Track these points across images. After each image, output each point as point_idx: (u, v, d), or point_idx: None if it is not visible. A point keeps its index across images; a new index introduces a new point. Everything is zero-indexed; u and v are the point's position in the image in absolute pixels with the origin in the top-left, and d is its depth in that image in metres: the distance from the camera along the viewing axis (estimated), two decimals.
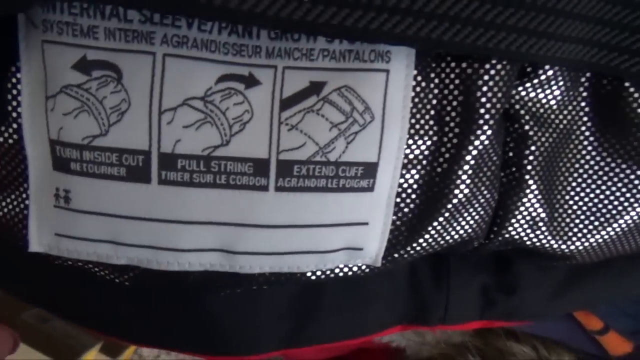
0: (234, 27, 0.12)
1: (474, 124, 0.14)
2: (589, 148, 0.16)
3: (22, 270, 0.15)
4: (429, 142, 0.14)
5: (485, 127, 0.14)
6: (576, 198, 0.16)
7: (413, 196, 0.15)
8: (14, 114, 0.13)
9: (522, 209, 0.16)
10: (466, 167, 0.14)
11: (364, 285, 0.17)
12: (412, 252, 0.15)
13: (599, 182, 0.16)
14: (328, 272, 0.15)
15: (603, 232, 0.17)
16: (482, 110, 0.14)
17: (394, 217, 0.15)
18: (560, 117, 0.15)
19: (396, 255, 0.15)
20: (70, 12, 0.12)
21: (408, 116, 0.14)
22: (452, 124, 0.14)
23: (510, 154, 0.15)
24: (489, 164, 0.15)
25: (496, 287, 0.19)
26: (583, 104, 0.16)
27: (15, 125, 0.13)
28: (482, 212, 0.15)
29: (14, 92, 0.13)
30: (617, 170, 0.16)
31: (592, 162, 0.16)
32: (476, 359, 0.28)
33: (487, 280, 0.19)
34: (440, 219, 0.15)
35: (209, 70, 0.13)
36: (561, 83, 0.15)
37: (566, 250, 0.17)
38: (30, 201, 0.14)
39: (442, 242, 0.15)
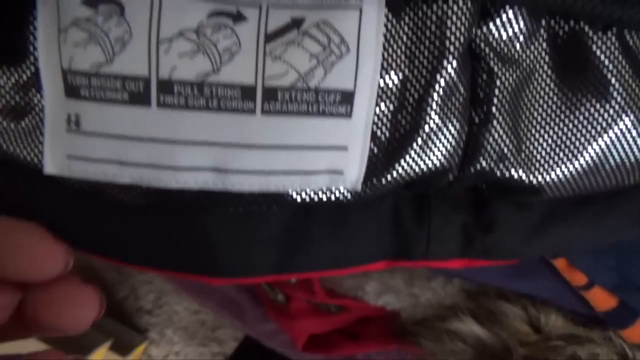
0: None
1: (441, 58, 0.16)
2: (551, 85, 0.17)
3: (35, 195, 0.17)
4: (400, 75, 0.16)
5: (452, 61, 0.16)
6: (541, 131, 0.17)
7: (388, 125, 0.16)
8: (31, 48, 0.15)
9: (490, 140, 0.17)
10: (436, 98, 0.16)
11: (350, 218, 0.19)
12: (390, 179, 0.17)
13: (562, 116, 0.17)
14: (312, 195, 0.16)
15: (569, 165, 0.18)
16: (447, 45, 0.15)
17: (371, 144, 0.16)
18: (524, 56, 0.17)
19: (375, 181, 0.17)
20: None
21: (381, 50, 0.15)
22: (421, 58, 0.16)
23: (479, 90, 0.17)
24: (456, 95, 0.16)
25: (475, 225, 0.20)
26: (544, 44, 0.17)
27: (32, 59, 0.15)
28: (453, 143, 0.17)
29: (32, 28, 0.15)
30: (578, 104, 0.17)
31: (554, 98, 0.17)
32: (467, 317, 0.30)
33: (466, 218, 0.20)
34: (414, 145, 0.16)
35: (201, 7, 0.14)
36: (522, 24, 0.16)
37: (535, 183, 0.18)
38: (45, 127, 0.15)
39: (417, 170, 0.17)
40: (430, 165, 0.17)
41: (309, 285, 0.31)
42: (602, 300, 0.28)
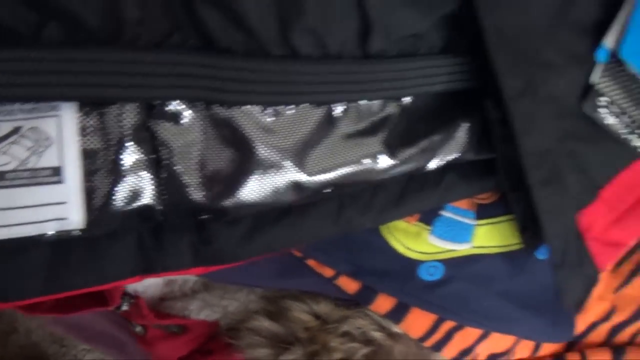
0: None
1: (120, 138, 0.25)
2: (212, 144, 0.27)
3: None
4: (95, 149, 0.25)
5: (126, 139, 0.25)
6: (204, 173, 0.27)
7: (95, 182, 0.25)
8: None
9: (171, 184, 0.26)
10: (124, 163, 0.25)
11: (101, 247, 0.27)
12: (108, 218, 0.26)
13: (218, 159, 0.27)
14: (49, 234, 0.25)
15: (233, 197, 0.27)
16: (123, 130, 0.25)
17: (87, 198, 0.25)
18: (190, 128, 0.26)
19: (96, 221, 0.25)
20: None
21: (78, 139, 0.25)
22: (106, 138, 0.25)
23: (160, 154, 0.26)
24: (143, 160, 0.25)
25: (199, 242, 0.29)
26: (205, 120, 0.27)
27: None
28: (148, 190, 0.26)
29: None
30: (227, 160, 0.27)
31: (210, 151, 0.27)
32: (260, 316, 0.38)
33: (192, 237, 0.29)
34: (117, 193, 0.25)
35: None
36: (184, 111, 0.26)
37: (219, 207, 0.27)
38: None
39: (125, 208, 0.26)
40: (134, 205, 0.26)
41: (140, 310, 0.39)
42: (348, 285, 0.37)
